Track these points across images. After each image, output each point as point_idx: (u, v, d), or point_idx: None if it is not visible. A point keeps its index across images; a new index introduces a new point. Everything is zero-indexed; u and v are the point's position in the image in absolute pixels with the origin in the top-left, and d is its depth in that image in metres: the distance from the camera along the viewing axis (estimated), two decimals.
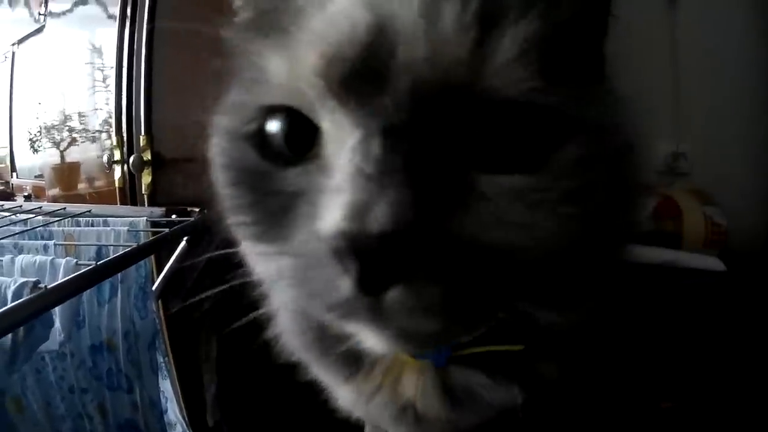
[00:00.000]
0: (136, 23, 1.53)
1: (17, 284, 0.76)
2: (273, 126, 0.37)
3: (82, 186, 2.13)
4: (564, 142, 0.34)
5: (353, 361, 0.55)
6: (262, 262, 0.43)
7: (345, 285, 0.32)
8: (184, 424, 1.25)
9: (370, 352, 0.44)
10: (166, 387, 1.24)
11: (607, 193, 0.37)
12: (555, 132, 0.33)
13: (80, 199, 2.02)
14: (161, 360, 1.21)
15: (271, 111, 0.37)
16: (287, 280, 0.37)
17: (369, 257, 0.30)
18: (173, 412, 1.27)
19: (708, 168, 1.97)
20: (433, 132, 0.32)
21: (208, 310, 1.39)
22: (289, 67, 0.34)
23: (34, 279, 0.76)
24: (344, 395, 0.61)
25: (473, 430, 0.58)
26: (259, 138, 0.38)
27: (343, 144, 0.32)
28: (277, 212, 0.37)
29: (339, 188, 0.31)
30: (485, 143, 0.33)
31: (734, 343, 1.40)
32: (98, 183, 1.97)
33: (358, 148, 0.31)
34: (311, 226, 0.33)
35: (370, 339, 0.38)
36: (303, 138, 0.36)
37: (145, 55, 1.50)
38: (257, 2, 0.41)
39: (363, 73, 0.32)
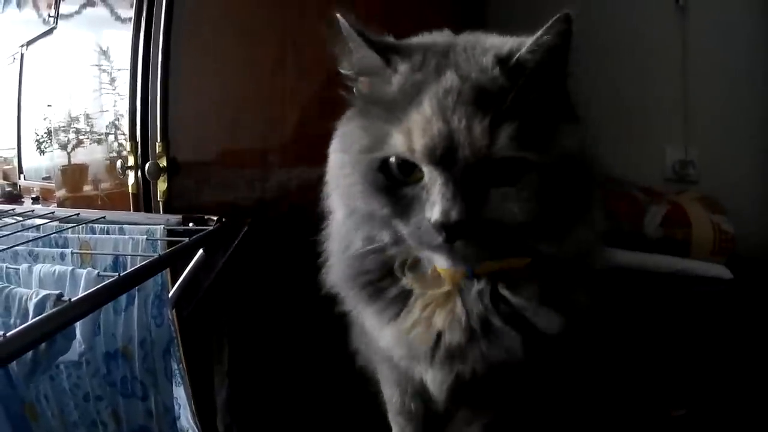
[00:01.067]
0: (152, 26, 1.53)
1: (39, 297, 0.76)
2: (393, 164, 0.69)
3: (88, 188, 2.13)
4: (528, 171, 0.67)
5: (397, 305, 0.81)
6: (387, 232, 0.75)
7: (438, 239, 0.66)
8: (196, 430, 1.26)
9: (414, 293, 0.80)
10: (180, 393, 1.25)
11: (557, 193, 0.69)
12: (523, 167, 0.67)
13: (90, 201, 2.02)
14: (175, 367, 1.21)
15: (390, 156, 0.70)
16: (409, 238, 0.71)
17: (449, 230, 0.65)
18: (186, 418, 1.27)
19: (716, 175, 1.97)
20: (473, 174, 0.66)
21: (222, 316, 1.41)
22: (407, 142, 0.67)
23: (56, 292, 0.76)
24: (387, 335, 0.83)
25: (498, 367, 0.79)
26: (384, 168, 0.70)
27: (435, 180, 0.66)
28: (400, 208, 0.70)
29: (434, 200, 0.66)
30: (493, 175, 0.67)
31: (742, 350, 1.40)
32: (105, 185, 1.97)
33: (442, 185, 0.65)
34: (422, 215, 0.67)
35: (442, 261, 0.75)
36: (410, 169, 0.69)
37: (162, 59, 1.50)
38: (378, 93, 0.73)
39: (444, 153, 0.65)
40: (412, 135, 0.66)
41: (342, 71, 0.77)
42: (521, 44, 0.68)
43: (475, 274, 0.76)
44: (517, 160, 0.66)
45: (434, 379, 0.88)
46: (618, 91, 2.03)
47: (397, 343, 0.83)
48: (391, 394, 1.04)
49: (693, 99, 2.00)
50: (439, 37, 0.79)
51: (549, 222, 0.70)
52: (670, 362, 1.38)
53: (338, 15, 0.74)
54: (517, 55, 0.67)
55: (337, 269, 0.88)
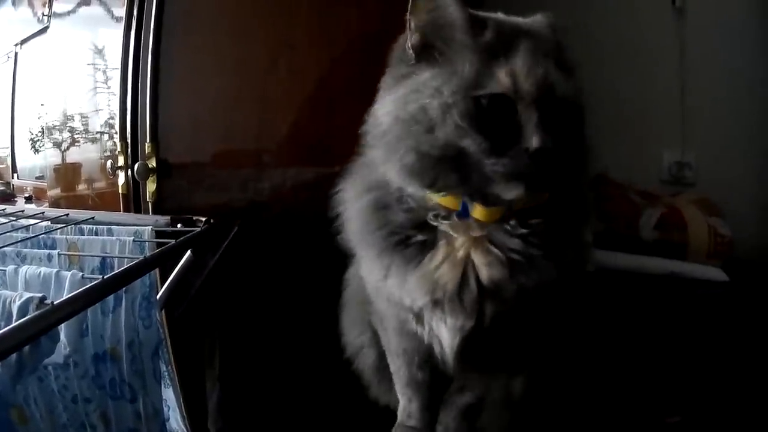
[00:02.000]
0: (143, 26, 1.52)
1: (23, 299, 0.75)
2: (486, 103, 0.77)
3: (82, 187, 2.12)
4: (580, 115, 0.83)
5: (423, 251, 0.87)
6: (455, 175, 0.80)
7: (532, 166, 0.75)
8: None
9: (439, 239, 0.87)
10: (169, 396, 1.24)
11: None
12: (578, 112, 0.83)
13: (82, 201, 2.01)
14: (164, 369, 1.20)
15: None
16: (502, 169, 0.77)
17: (545, 155, 0.74)
18: (175, 420, 1.26)
19: (713, 178, 1.97)
20: (558, 114, 0.78)
21: (213, 318, 1.40)
22: (511, 82, 0.76)
23: (39, 294, 0.75)
24: (412, 281, 0.88)
25: (518, 300, 0.86)
26: (478, 107, 0.77)
27: (531, 116, 0.76)
28: (494, 142, 0.76)
29: (531, 132, 0.75)
30: (565, 116, 0.79)
31: (738, 354, 1.40)
32: (98, 184, 1.96)
33: (539, 120, 0.75)
34: (518, 147, 0.75)
35: (513, 192, 0.78)
36: (502, 107, 0.77)
37: (152, 59, 1.49)
38: (462, 44, 0.80)
39: (544, 94, 0.77)
40: (517, 77, 0.76)
41: (411, 19, 0.82)
42: (553, 20, 0.86)
43: (510, 214, 0.85)
44: (577, 104, 0.81)
45: (453, 327, 0.92)
46: (615, 93, 2.03)
47: (421, 288, 0.88)
48: (398, 367, 1.08)
49: (690, 101, 2.00)
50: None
51: (581, 157, 0.85)
52: (665, 368, 1.37)
53: None
54: (557, 26, 0.85)
55: (360, 229, 0.93)
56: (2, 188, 3.33)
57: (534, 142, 0.73)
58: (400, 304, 0.95)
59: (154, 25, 1.49)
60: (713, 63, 1.98)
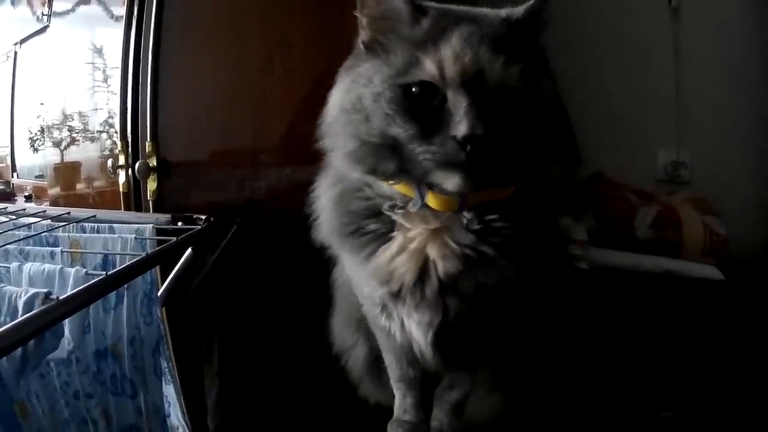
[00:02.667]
0: (143, 27, 1.53)
1: (28, 295, 0.76)
2: (416, 91, 0.78)
3: (81, 186, 2.13)
4: (527, 103, 0.79)
5: (378, 242, 0.88)
6: (393, 162, 0.81)
7: (461, 154, 0.73)
8: (187, 429, 1.26)
9: (394, 231, 0.87)
10: (169, 392, 1.25)
11: (544, 127, 0.82)
12: (524, 99, 0.79)
13: (83, 200, 2.02)
14: (165, 365, 1.21)
15: None
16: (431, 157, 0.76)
17: (474, 142, 0.72)
18: (176, 416, 1.27)
19: (709, 177, 1.98)
20: (490, 100, 0.75)
21: (212, 315, 1.41)
22: (438, 69, 0.76)
23: (45, 290, 0.77)
24: (369, 272, 0.89)
25: (487, 297, 0.86)
26: (407, 95, 0.78)
27: (461, 103, 0.75)
28: (423, 129, 0.76)
29: (460, 119, 0.73)
30: (503, 103, 0.76)
31: (731, 351, 1.41)
32: (98, 183, 1.97)
33: (468, 106, 0.74)
34: (446, 134, 0.74)
35: (452, 182, 0.77)
36: (431, 95, 0.77)
37: (152, 59, 1.50)
38: (402, 33, 0.81)
39: (473, 79, 0.76)
40: (443, 63, 0.75)
41: (361, 15, 0.84)
42: (512, 12, 0.82)
43: (465, 207, 0.84)
44: (522, 91, 0.77)
45: (420, 323, 0.93)
46: (611, 93, 2.04)
47: (377, 278, 0.89)
48: (390, 361, 1.10)
49: (685, 100, 2.01)
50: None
51: (538, 151, 0.83)
52: (657, 363, 1.39)
53: None
54: (515, 16, 0.81)
55: (326, 221, 0.95)
56: (2, 187, 3.33)
57: (461, 129, 0.73)
58: (370, 297, 0.98)
59: (154, 26, 1.50)
60: (709, 62, 1.99)
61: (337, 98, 0.87)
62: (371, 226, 0.89)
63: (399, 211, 0.86)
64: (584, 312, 1.24)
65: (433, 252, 0.85)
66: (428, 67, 0.76)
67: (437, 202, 0.84)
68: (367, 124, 0.80)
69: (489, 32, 0.77)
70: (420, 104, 0.77)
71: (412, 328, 0.95)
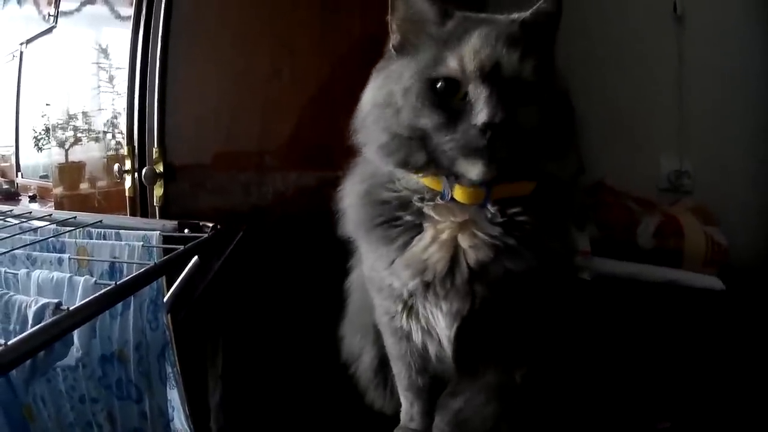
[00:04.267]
0: (150, 32, 1.54)
1: (39, 305, 0.77)
2: (442, 85, 0.84)
3: (85, 186, 2.14)
4: (542, 95, 0.85)
5: (411, 234, 0.92)
6: (423, 153, 0.86)
7: (482, 141, 0.79)
8: None
9: (426, 222, 0.92)
10: (174, 396, 1.26)
11: (558, 119, 0.87)
12: (539, 91, 0.85)
13: (88, 201, 2.03)
14: (170, 370, 1.22)
15: None
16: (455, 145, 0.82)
17: (494, 129, 0.78)
18: (179, 420, 1.28)
19: (711, 186, 1.98)
20: (508, 91, 0.81)
21: (216, 320, 1.42)
22: (459, 64, 0.83)
23: (55, 300, 0.77)
24: (401, 265, 0.93)
25: (506, 284, 0.90)
26: (433, 88, 0.84)
27: (480, 94, 0.81)
28: (448, 120, 0.82)
29: (480, 108, 0.79)
30: (519, 95, 0.83)
31: (732, 361, 1.42)
32: (101, 183, 1.98)
33: (488, 96, 0.80)
34: (468, 123, 0.80)
35: (476, 170, 0.83)
36: (455, 89, 0.84)
37: (159, 64, 1.51)
38: (429, 34, 0.88)
39: (490, 71, 0.82)
40: (464, 59, 0.82)
41: (392, 19, 0.91)
42: (521, 16, 0.88)
43: (489, 200, 0.89)
44: (536, 84, 0.83)
45: (448, 312, 0.95)
46: (614, 101, 2.04)
47: (410, 270, 0.93)
48: (399, 370, 1.11)
49: (689, 109, 2.01)
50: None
51: (553, 143, 0.87)
52: (657, 373, 1.39)
53: None
54: (523, 17, 0.87)
55: (353, 214, 0.99)
56: (6, 187, 3.34)
57: (481, 116, 0.79)
58: (390, 294, 1.00)
59: (161, 33, 1.51)
60: (712, 71, 1.99)
61: (369, 95, 0.93)
62: (405, 217, 0.93)
63: (429, 203, 0.91)
64: (586, 321, 1.25)
65: (464, 242, 0.90)
66: (451, 64, 0.83)
67: (464, 195, 0.88)
68: (398, 118, 0.86)
69: (504, 31, 0.84)
70: (445, 97, 0.83)
71: (439, 319, 0.98)
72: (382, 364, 1.18)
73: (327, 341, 1.28)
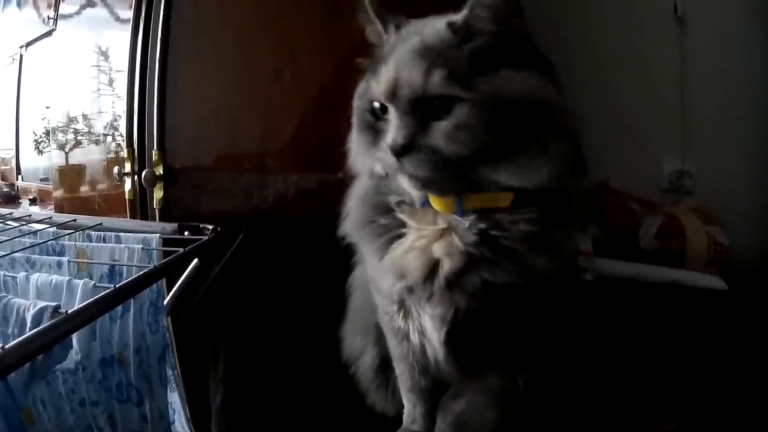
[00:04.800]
0: (150, 35, 1.54)
1: (37, 308, 0.77)
2: (374, 106, 0.87)
3: (85, 189, 2.13)
4: (459, 105, 0.80)
5: (393, 237, 0.92)
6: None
7: (394, 160, 0.81)
8: None
9: (407, 228, 0.92)
10: (174, 399, 1.26)
11: (495, 126, 0.81)
12: (454, 102, 0.80)
13: (88, 204, 2.03)
14: (170, 373, 1.22)
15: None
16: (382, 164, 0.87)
17: (397, 151, 0.80)
18: (180, 423, 1.28)
19: (713, 186, 1.98)
20: (417, 109, 0.81)
21: (217, 322, 1.42)
22: (377, 88, 0.85)
23: (54, 304, 0.77)
24: (385, 266, 0.93)
25: (495, 299, 0.88)
26: (371, 110, 0.87)
27: (393, 116, 0.83)
28: (376, 139, 0.86)
29: (390, 130, 0.82)
30: (432, 110, 0.81)
31: (735, 362, 1.41)
32: (102, 186, 1.98)
33: (395, 118, 0.82)
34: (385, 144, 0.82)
35: (406, 185, 0.87)
36: (384, 110, 0.86)
37: (159, 67, 1.51)
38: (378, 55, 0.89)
39: (392, 94, 0.83)
40: (379, 82, 0.84)
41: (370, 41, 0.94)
42: (458, 16, 0.84)
43: (461, 211, 0.87)
44: (447, 96, 0.79)
45: (433, 316, 0.96)
46: (616, 102, 2.04)
47: (393, 273, 0.94)
48: (402, 371, 1.11)
49: (690, 110, 2.00)
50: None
51: (499, 156, 0.82)
52: (660, 374, 1.39)
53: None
54: (463, 16, 0.83)
55: (352, 214, 1.01)
56: (6, 190, 3.34)
57: (388, 138, 0.82)
58: (386, 294, 1.02)
59: (161, 36, 1.51)
60: (714, 72, 1.98)
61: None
62: (383, 221, 0.94)
63: (406, 208, 0.92)
64: (588, 322, 1.24)
65: (437, 250, 0.89)
66: (373, 88, 0.86)
67: (437, 203, 0.89)
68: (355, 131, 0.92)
69: (426, 41, 0.83)
70: (376, 118, 0.88)
71: (426, 323, 0.99)
72: (383, 364, 1.18)
73: (328, 344, 1.27)
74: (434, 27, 0.85)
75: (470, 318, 0.92)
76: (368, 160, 0.91)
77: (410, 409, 1.13)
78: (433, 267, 0.89)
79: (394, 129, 0.81)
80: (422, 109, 0.81)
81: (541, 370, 1.05)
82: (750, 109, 1.94)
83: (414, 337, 1.03)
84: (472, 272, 0.87)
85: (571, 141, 0.85)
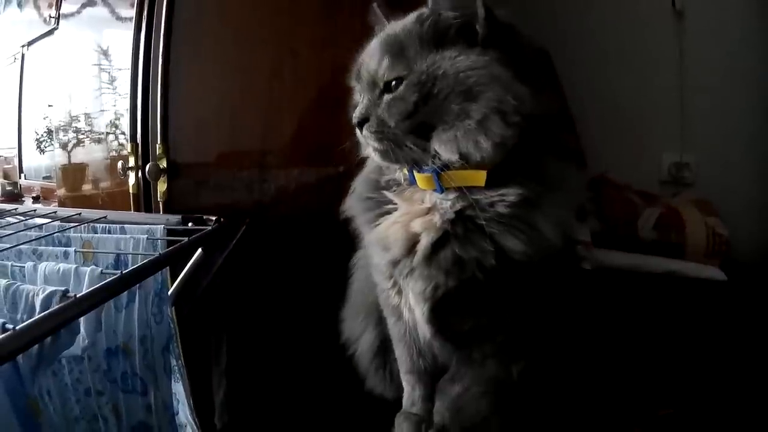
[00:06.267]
0: (153, 31, 1.55)
1: (46, 293, 0.78)
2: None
3: (87, 187, 2.14)
4: (401, 83, 0.90)
5: (382, 214, 0.99)
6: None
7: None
8: (195, 426, 1.28)
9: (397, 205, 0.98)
10: (178, 389, 1.26)
11: (436, 100, 0.88)
12: (400, 82, 0.90)
13: (93, 201, 2.04)
14: (174, 363, 1.23)
15: None
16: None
17: (358, 124, 0.95)
18: (184, 414, 1.29)
19: (712, 178, 1.99)
20: (374, 89, 0.94)
21: (220, 314, 1.43)
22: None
23: (62, 288, 0.78)
24: (374, 238, 1.00)
25: (462, 272, 0.91)
26: None
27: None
28: None
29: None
30: (385, 89, 0.92)
31: (733, 350, 1.42)
32: (104, 184, 1.99)
33: (360, 97, 0.97)
34: None
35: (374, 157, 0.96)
36: None
37: (162, 63, 1.53)
38: None
39: (358, 76, 0.98)
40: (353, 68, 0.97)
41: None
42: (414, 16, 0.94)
43: (441, 188, 0.92)
44: (396, 78, 0.90)
45: (416, 293, 0.98)
46: (615, 95, 2.06)
47: (379, 246, 0.99)
48: (401, 352, 1.14)
49: (689, 103, 2.02)
50: None
51: (429, 125, 0.89)
52: (659, 362, 1.40)
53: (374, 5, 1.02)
54: (427, 8, 0.91)
55: (353, 193, 1.07)
56: (10, 188, 3.34)
57: (354, 114, 0.94)
58: (380, 270, 1.07)
59: (164, 31, 1.52)
60: (712, 65, 2.00)
61: None
62: (376, 197, 1.01)
63: (394, 189, 0.99)
64: (587, 312, 1.25)
65: (417, 225, 0.94)
66: (354, 71, 0.98)
67: (421, 181, 0.94)
68: None
69: (388, 34, 0.94)
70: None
71: (411, 299, 1.02)
72: (383, 347, 1.21)
73: (329, 335, 1.29)
74: (406, 19, 0.94)
75: (449, 295, 0.94)
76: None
77: (409, 391, 1.14)
78: (414, 242, 0.94)
79: (358, 106, 0.94)
80: (379, 90, 0.92)
81: (536, 359, 1.06)
82: (748, 101, 1.96)
83: (405, 314, 1.06)
84: (447, 247, 0.91)
85: (517, 122, 0.85)
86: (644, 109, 2.05)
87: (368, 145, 0.95)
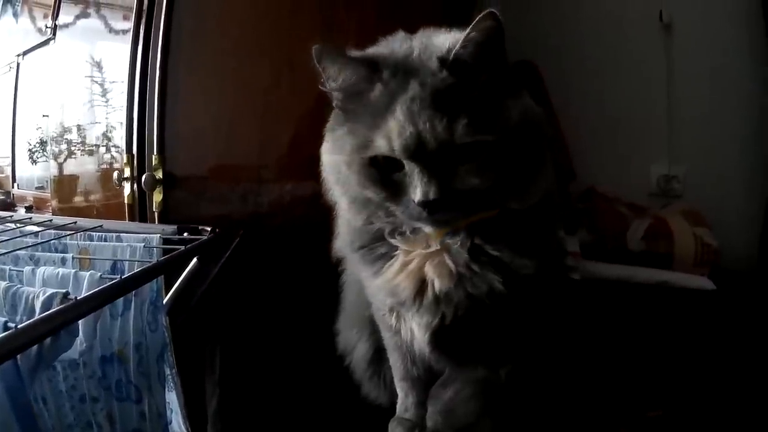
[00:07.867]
0: (150, 43, 1.56)
1: (46, 295, 0.79)
2: (380, 159, 0.82)
3: (79, 199, 2.14)
4: (485, 148, 0.79)
5: (383, 261, 0.95)
6: (382, 211, 0.88)
7: (423, 214, 0.80)
8: None
9: (398, 250, 0.93)
10: (172, 398, 1.26)
11: (512, 158, 0.82)
12: (480, 145, 0.79)
13: (87, 212, 2.03)
14: (168, 372, 1.23)
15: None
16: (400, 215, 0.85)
17: (429, 205, 0.79)
18: (177, 423, 1.29)
19: (700, 190, 2.01)
20: (442, 159, 0.79)
21: (214, 324, 1.43)
22: (388, 144, 0.80)
23: (63, 290, 0.79)
24: (377, 286, 0.98)
25: (477, 307, 0.91)
26: (374, 163, 0.83)
27: (413, 170, 0.80)
28: (391, 193, 0.83)
29: (415, 185, 0.79)
30: (458, 156, 0.79)
31: (722, 357, 1.44)
32: (95, 196, 1.99)
33: (419, 173, 0.80)
34: (408, 197, 0.81)
35: (428, 228, 0.88)
36: (394, 162, 0.81)
37: (159, 74, 1.54)
38: (361, 102, 0.84)
39: (416, 150, 0.79)
40: (391, 138, 0.79)
41: (326, 89, 0.88)
42: (456, 41, 0.81)
43: (455, 230, 0.89)
44: (474, 143, 0.78)
45: (420, 323, 1.00)
46: (604, 108, 2.08)
47: (384, 292, 0.98)
48: (395, 360, 1.14)
49: (677, 115, 2.05)
50: (397, 42, 0.90)
51: (510, 182, 0.84)
52: (649, 368, 1.41)
53: (314, 47, 0.86)
54: (453, 52, 0.80)
55: (342, 237, 1.04)
56: (2, 197, 3.33)
57: (416, 195, 0.79)
58: (378, 302, 1.07)
59: (162, 43, 1.53)
60: (700, 77, 2.03)
61: (324, 158, 0.93)
62: (379, 252, 0.96)
63: (398, 236, 0.93)
64: (576, 320, 1.27)
65: (430, 271, 0.92)
66: (381, 143, 0.80)
67: (431, 230, 0.90)
68: (350, 186, 0.88)
69: (430, 91, 0.79)
70: (385, 173, 0.83)
71: (414, 327, 1.03)
72: (377, 356, 1.22)
73: (323, 344, 1.30)
74: (429, 72, 0.80)
75: (454, 323, 0.95)
76: (379, 212, 0.89)
77: (403, 398, 1.16)
78: (422, 285, 0.93)
79: (421, 184, 0.79)
80: (447, 158, 0.79)
81: (525, 364, 1.08)
82: (736, 113, 1.99)
83: (405, 333, 1.07)
84: (459, 287, 0.91)
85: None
86: (632, 122, 2.08)
87: (424, 222, 0.85)
